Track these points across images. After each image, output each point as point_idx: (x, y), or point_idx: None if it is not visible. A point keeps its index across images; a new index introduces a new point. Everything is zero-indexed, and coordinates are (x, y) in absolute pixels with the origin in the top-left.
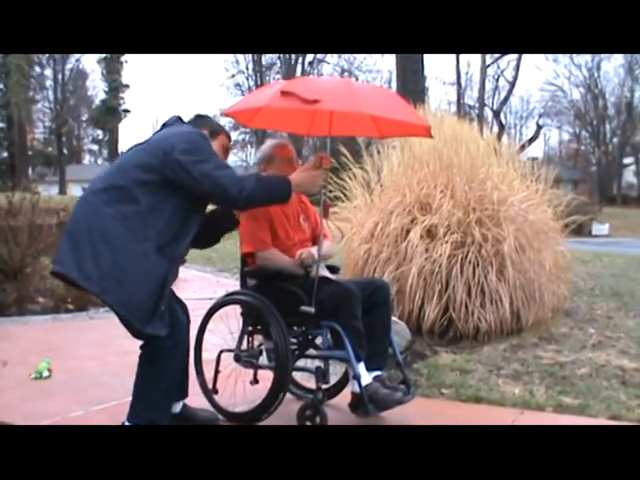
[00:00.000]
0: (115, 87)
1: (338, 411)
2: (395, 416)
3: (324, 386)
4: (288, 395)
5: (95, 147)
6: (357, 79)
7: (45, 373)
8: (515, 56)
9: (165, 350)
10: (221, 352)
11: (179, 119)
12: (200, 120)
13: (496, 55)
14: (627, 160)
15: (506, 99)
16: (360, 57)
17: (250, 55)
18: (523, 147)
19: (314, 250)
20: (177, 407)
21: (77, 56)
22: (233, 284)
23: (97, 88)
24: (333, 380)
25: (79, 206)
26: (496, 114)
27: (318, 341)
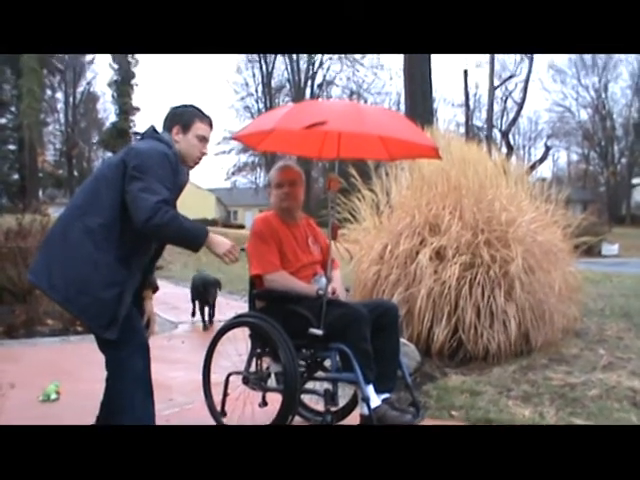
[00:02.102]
0: (126, 110)
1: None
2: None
3: (333, 408)
4: (297, 417)
5: None
6: (366, 101)
7: (53, 396)
8: (523, 77)
9: (121, 361)
10: (230, 374)
11: (153, 130)
12: (173, 120)
13: (504, 77)
14: (636, 180)
15: (514, 120)
16: (369, 79)
17: (259, 77)
18: (532, 168)
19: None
20: None
21: (88, 79)
22: (242, 306)
23: (108, 111)
24: (342, 402)
25: (57, 221)
26: (504, 135)
27: (327, 363)
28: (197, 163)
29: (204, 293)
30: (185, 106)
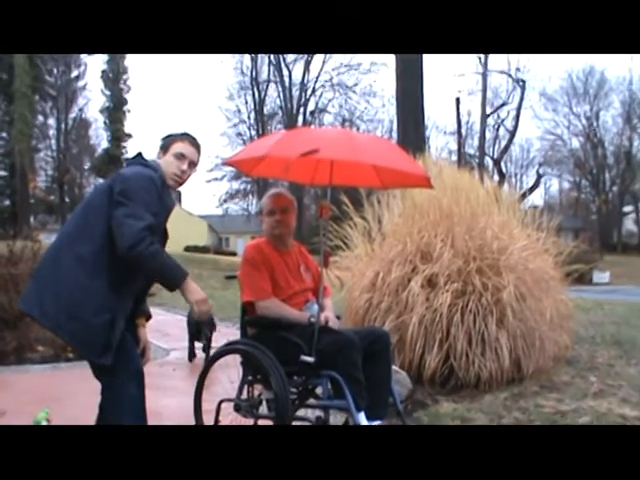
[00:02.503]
0: (118, 136)
1: None
2: None
3: None
4: None
5: None
6: (358, 129)
7: (43, 423)
8: (515, 105)
9: (116, 388)
10: (221, 402)
11: (140, 156)
12: (159, 148)
13: (496, 104)
14: (627, 208)
15: (506, 148)
16: (361, 107)
17: (252, 104)
18: (524, 196)
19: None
20: None
21: (80, 105)
22: (233, 333)
23: (100, 137)
24: None
25: (49, 249)
26: (497, 163)
27: (318, 391)
28: (178, 182)
29: (197, 335)
30: (170, 135)
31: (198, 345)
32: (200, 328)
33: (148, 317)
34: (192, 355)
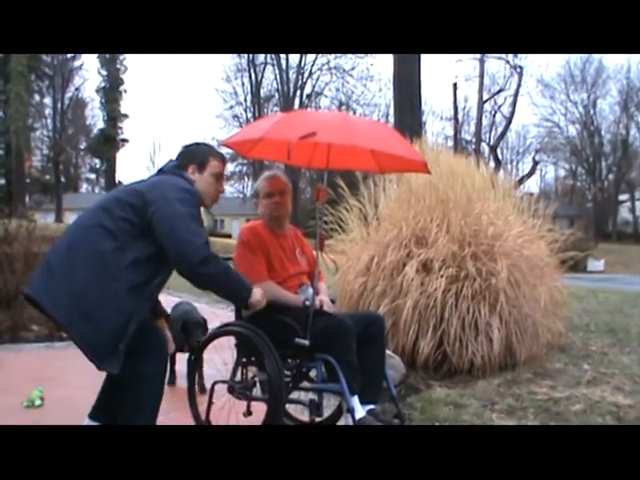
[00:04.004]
0: (114, 117)
1: None
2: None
3: (317, 419)
4: None
5: (92, 176)
6: (355, 112)
7: (37, 402)
8: (512, 92)
9: (138, 374)
10: (215, 383)
11: (175, 165)
12: (187, 159)
13: (493, 91)
14: (622, 197)
15: (503, 134)
16: (358, 91)
17: (248, 87)
18: (520, 182)
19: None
20: None
21: (77, 84)
22: (228, 315)
23: (96, 117)
24: (326, 413)
25: (65, 235)
26: (493, 149)
27: (312, 374)
28: (214, 202)
29: (183, 340)
30: (197, 144)
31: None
32: (190, 331)
33: (167, 317)
34: (173, 377)
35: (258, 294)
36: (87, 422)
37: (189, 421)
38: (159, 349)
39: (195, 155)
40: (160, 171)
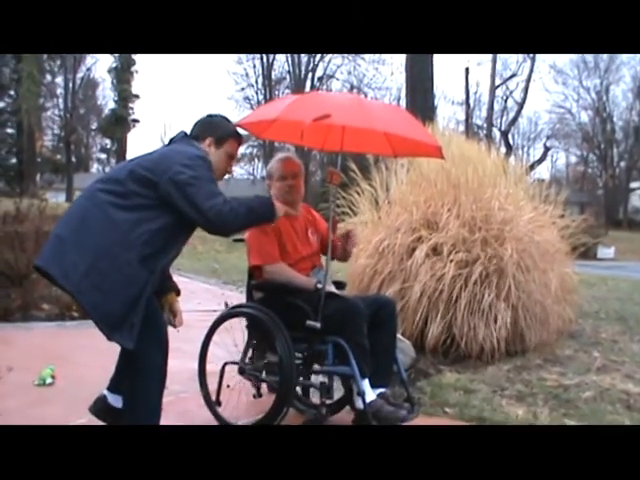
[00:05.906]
0: (125, 97)
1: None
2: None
3: (328, 401)
4: (291, 410)
5: (103, 156)
6: (366, 96)
7: (48, 380)
8: (524, 77)
9: (140, 355)
10: (225, 364)
11: (186, 135)
12: (207, 130)
13: (505, 76)
14: (634, 184)
15: (514, 120)
16: (369, 74)
17: (260, 69)
18: (531, 168)
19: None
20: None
21: (88, 65)
22: (237, 297)
23: (107, 97)
24: (337, 396)
25: (75, 206)
26: (504, 135)
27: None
28: (219, 180)
29: None
30: (223, 117)
31: None
32: None
33: (178, 292)
34: None
35: (281, 210)
36: (105, 393)
37: (200, 401)
38: (157, 329)
39: (217, 128)
40: (171, 141)
